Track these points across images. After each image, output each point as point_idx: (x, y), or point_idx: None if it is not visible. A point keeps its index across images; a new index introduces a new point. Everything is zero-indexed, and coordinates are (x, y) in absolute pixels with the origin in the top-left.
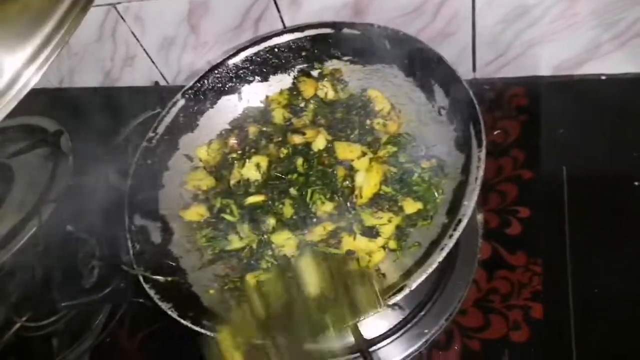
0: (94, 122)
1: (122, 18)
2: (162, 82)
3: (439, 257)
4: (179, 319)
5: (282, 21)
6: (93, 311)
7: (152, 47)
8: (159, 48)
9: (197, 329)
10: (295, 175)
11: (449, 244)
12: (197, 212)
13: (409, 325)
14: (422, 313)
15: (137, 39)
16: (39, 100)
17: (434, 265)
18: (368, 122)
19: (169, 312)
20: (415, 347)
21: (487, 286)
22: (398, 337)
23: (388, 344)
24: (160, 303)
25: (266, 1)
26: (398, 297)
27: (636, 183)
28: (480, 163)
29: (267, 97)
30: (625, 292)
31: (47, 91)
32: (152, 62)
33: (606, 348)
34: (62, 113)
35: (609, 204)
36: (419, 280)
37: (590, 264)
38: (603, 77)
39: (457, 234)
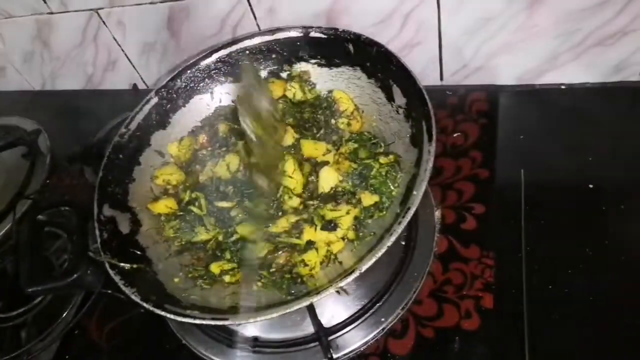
0: (73, 123)
1: (104, 23)
2: (142, 86)
3: (388, 241)
4: (141, 302)
5: (259, 28)
6: (63, 302)
7: (133, 52)
8: (140, 53)
9: (159, 312)
10: None
11: (397, 229)
12: (165, 205)
13: (367, 315)
14: (380, 303)
15: (118, 44)
16: (21, 101)
17: (383, 250)
18: (333, 121)
19: (132, 297)
20: (372, 334)
21: (441, 277)
22: (356, 325)
23: (347, 332)
24: (124, 288)
25: (243, 9)
26: (349, 279)
27: (591, 185)
28: (430, 156)
29: (238, 96)
30: (578, 288)
31: (28, 94)
32: (133, 66)
33: (558, 338)
34: (42, 114)
35: (564, 204)
36: (369, 264)
37: (545, 260)
38: (563, 87)
39: (405, 220)
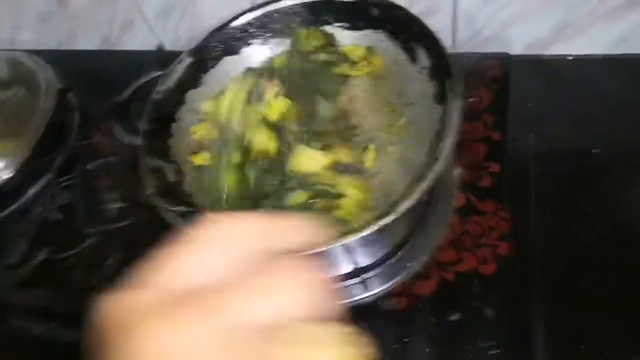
0: (94, 82)
1: None
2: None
3: (423, 185)
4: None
5: None
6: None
7: (151, 14)
8: (157, 14)
9: None
10: None
11: (429, 176)
12: (202, 158)
13: (393, 259)
14: (404, 249)
15: (135, 4)
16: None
17: (417, 195)
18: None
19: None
20: (399, 277)
21: (460, 229)
22: (384, 268)
23: (376, 274)
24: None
25: None
26: (389, 219)
27: (594, 150)
28: (455, 112)
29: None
30: (582, 236)
31: (45, 52)
32: (150, 28)
33: (568, 279)
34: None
35: (570, 165)
36: (405, 206)
37: (553, 213)
38: (569, 58)
39: (442, 156)
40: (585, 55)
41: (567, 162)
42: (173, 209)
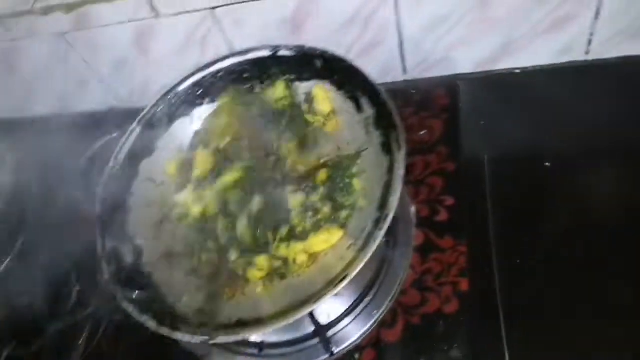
0: (55, 147)
1: (72, 46)
2: (115, 103)
3: (373, 247)
4: (157, 329)
5: (227, 39)
6: (75, 331)
7: (104, 71)
8: (111, 71)
9: (175, 335)
10: None
11: (379, 235)
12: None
13: (359, 310)
14: (370, 297)
15: (88, 64)
16: None
17: (369, 254)
18: (310, 119)
19: (147, 324)
20: (367, 327)
21: (421, 268)
22: (351, 321)
23: (342, 328)
24: (139, 317)
25: (210, 22)
26: (342, 285)
27: (547, 164)
28: (400, 164)
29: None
30: (543, 258)
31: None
32: (106, 84)
33: (530, 307)
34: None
35: (525, 184)
36: (358, 269)
37: (512, 238)
38: (517, 71)
39: (386, 226)
40: (531, 66)
41: (521, 182)
42: (130, 296)
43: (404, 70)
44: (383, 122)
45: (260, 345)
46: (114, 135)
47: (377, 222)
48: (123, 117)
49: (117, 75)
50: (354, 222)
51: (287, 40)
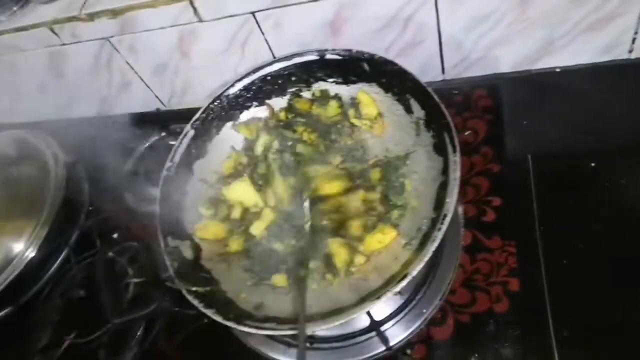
0: (101, 149)
1: (117, 50)
2: (158, 105)
3: (432, 247)
4: (224, 321)
5: (267, 42)
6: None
7: (146, 74)
8: (152, 74)
9: (241, 328)
10: None
11: (438, 235)
12: (213, 232)
13: (409, 307)
14: (420, 296)
15: (131, 67)
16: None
17: (429, 255)
18: (357, 122)
19: (214, 317)
20: (417, 325)
21: (471, 268)
22: (401, 318)
23: (393, 324)
24: (204, 310)
25: (251, 26)
26: (403, 284)
27: (592, 164)
28: (456, 166)
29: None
30: (590, 258)
31: (46, 123)
32: (148, 87)
33: (578, 306)
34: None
35: (570, 184)
36: (419, 268)
37: (559, 238)
38: (557, 70)
39: (444, 227)
40: (573, 65)
41: (566, 181)
42: (192, 289)
43: (443, 70)
44: (434, 123)
45: (312, 339)
46: (161, 136)
47: (435, 223)
48: (164, 119)
49: (159, 78)
50: (406, 222)
51: (325, 44)
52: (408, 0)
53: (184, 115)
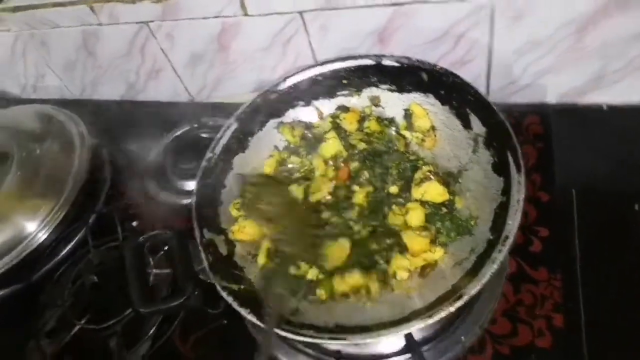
0: (127, 134)
1: (154, 35)
2: (186, 96)
3: (491, 269)
4: (258, 322)
5: (310, 44)
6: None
7: (179, 63)
8: (185, 64)
9: (279, 331)
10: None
11: (499, 257)
12: (247, 233)
13: (447, 332)
14: (459, 319)
15: (165, 54)
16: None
17: (487, 277)
18: (408, 135)
19: (249, 317)
20: (454, 352)
21: (514, 298)
22: (439, 342)
23: (430, 348)
24: (239, 309)
25: (297, 25)
26: (459, 303)
27: (636, 206)
28: (521, 187)
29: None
30: (629, 297)
31: (69, 102)
32: (178, 76)
33: (615, 344)
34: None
35: (613, 224)
36: (477, 289)
37: (598, 274)
38: (605, 107)
39: (505, 249)
40: (622, 103)
41: (610, 221)
42: (227, 285)
43: (488, 91)
44: (496, 141)
45: (338, 354)
46: (193, 127)
47: (492, 244)
48: (191, 110)
49: (192, 69)
50: (456, 242)
51: (370, 51)
52: (464, 16)
53: (212, 108)
